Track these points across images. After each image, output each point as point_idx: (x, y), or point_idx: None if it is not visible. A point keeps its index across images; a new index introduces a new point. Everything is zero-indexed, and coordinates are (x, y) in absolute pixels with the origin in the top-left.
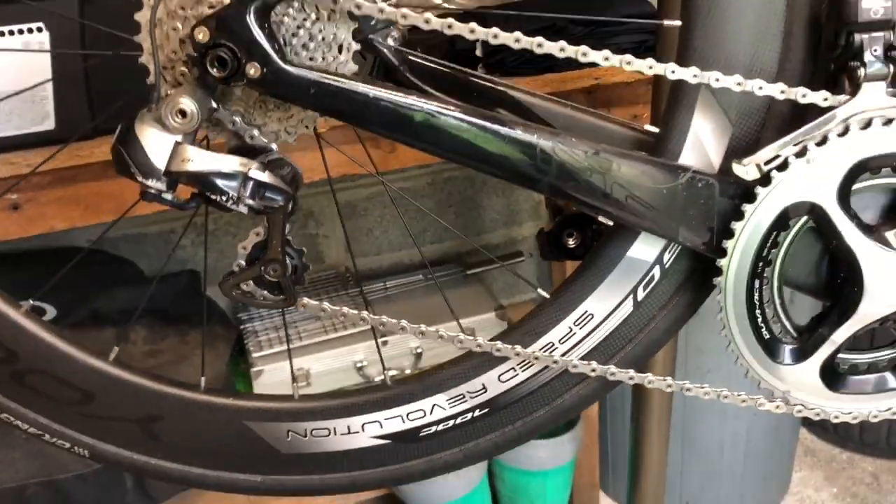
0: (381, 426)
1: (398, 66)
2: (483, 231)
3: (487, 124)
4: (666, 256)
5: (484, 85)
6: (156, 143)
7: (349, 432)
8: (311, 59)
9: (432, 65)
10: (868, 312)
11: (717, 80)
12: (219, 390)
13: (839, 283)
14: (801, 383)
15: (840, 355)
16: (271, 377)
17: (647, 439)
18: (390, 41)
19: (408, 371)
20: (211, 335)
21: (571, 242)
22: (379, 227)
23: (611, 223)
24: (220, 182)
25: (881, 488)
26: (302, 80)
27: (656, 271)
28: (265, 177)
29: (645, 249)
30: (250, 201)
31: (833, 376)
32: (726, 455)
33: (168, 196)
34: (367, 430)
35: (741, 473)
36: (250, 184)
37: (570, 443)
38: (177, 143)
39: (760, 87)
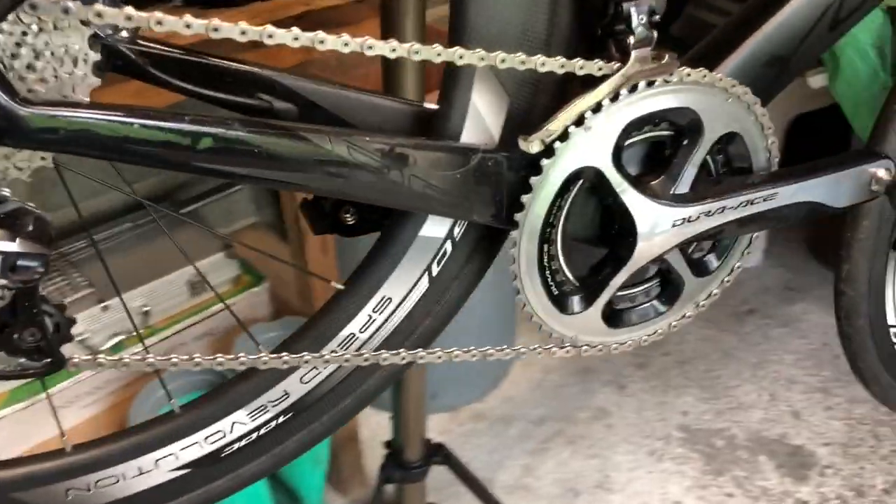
0: (178, 458)
1: (135, 58)
2: None
3: (280, 135)
4: (456, 230)
5: (237, 69)
6: None
7: (141, 473)
8: (42, 80)
9: (175, 53)
10: (641, 256)
11: (503, 60)
12: None
13: (614, 233)
14: (585, 327)
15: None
16: None
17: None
18: (124, 34)
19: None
20: None
21: (350, 219)
22: (67, 174)
23: None
24: None
25: None
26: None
27: (448, 245)
28: (14, 245)
29: (436, 228)
30: (2, 281)
31: (611, 315)
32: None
33: None
34: (163, 466)
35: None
36: None
37: None
38: None
39: (543, 63)
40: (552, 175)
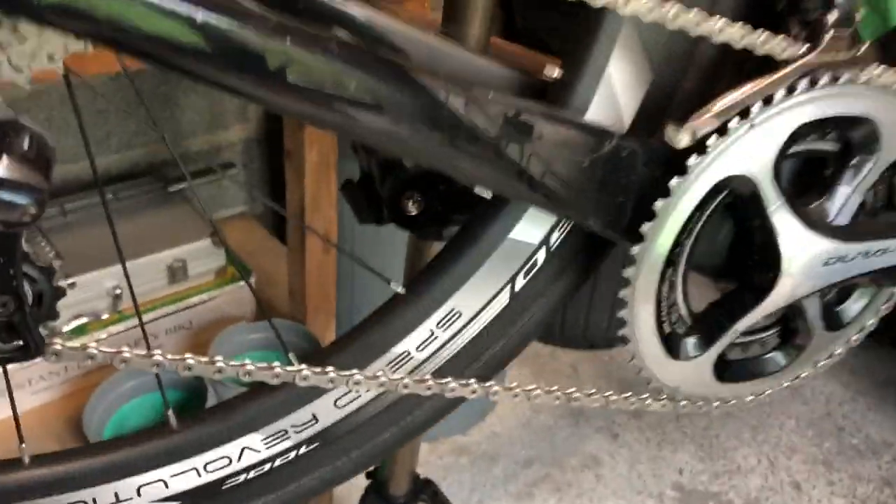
0: (167, 486)
1: None
2: (182, 137)
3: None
4: (554, 236)
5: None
6: None
7: (118, 501)
8: None
9: None
10: (780, 296)
11: (676, 16)
12: None
13: (751, 263)
14: (692, 377)
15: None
16: None
17: None
18: None
19: (105, 316)
20: None
21: (413, 208)
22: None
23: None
24: None
25: (580, 378)
26: None
27: (541, 255)
28: (3, 169)
29: (531, 230)
30: None
31: (724, 366)
32: None
33: None
34: (146, 495)
35: None
36: None
37: None
38: None
39: (720, 29)
40: (700, 180)
